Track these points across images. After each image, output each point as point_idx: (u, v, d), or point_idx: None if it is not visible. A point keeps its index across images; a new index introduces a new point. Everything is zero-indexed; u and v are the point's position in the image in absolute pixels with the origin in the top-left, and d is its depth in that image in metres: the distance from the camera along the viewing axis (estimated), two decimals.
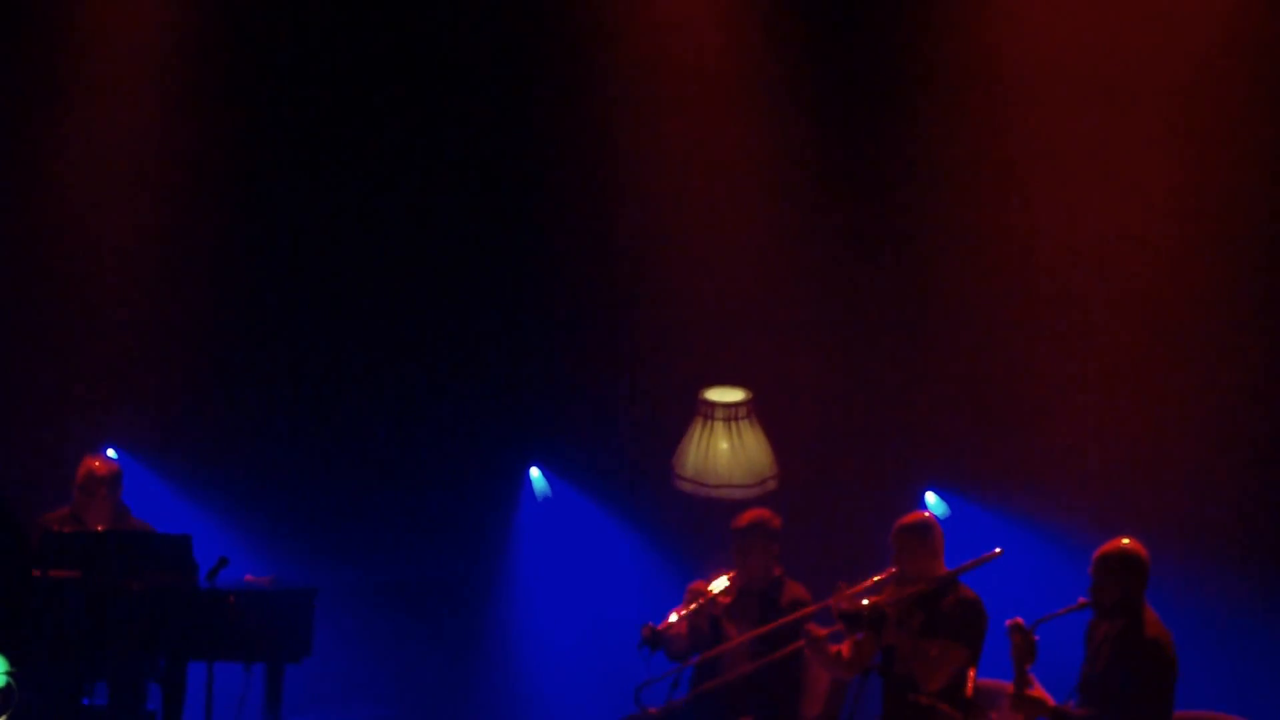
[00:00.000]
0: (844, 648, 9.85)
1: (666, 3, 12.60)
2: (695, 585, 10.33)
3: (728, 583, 10.23)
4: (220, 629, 10.20)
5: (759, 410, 11.40)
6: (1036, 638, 9.13)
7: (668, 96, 12.57)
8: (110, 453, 12.14)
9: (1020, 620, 9.22)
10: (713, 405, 11.33)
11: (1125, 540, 9.24)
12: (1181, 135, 11.57)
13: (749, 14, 12.49)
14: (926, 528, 9.84)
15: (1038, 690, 9.17)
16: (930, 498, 11.94)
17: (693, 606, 10.18)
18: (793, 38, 12.38)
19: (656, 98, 12.58)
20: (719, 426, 11.31)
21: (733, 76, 12.51)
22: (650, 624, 10.10)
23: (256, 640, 10.30)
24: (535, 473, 12.84)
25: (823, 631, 9.82)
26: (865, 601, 9.58)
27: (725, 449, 11.28)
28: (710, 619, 10.20)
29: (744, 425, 11.32)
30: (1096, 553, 9.24)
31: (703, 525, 11.59)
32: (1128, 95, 11.65)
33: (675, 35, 12.56)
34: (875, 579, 9.78)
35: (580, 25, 12.61)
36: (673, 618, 10.17)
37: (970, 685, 9.49)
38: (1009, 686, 9.23)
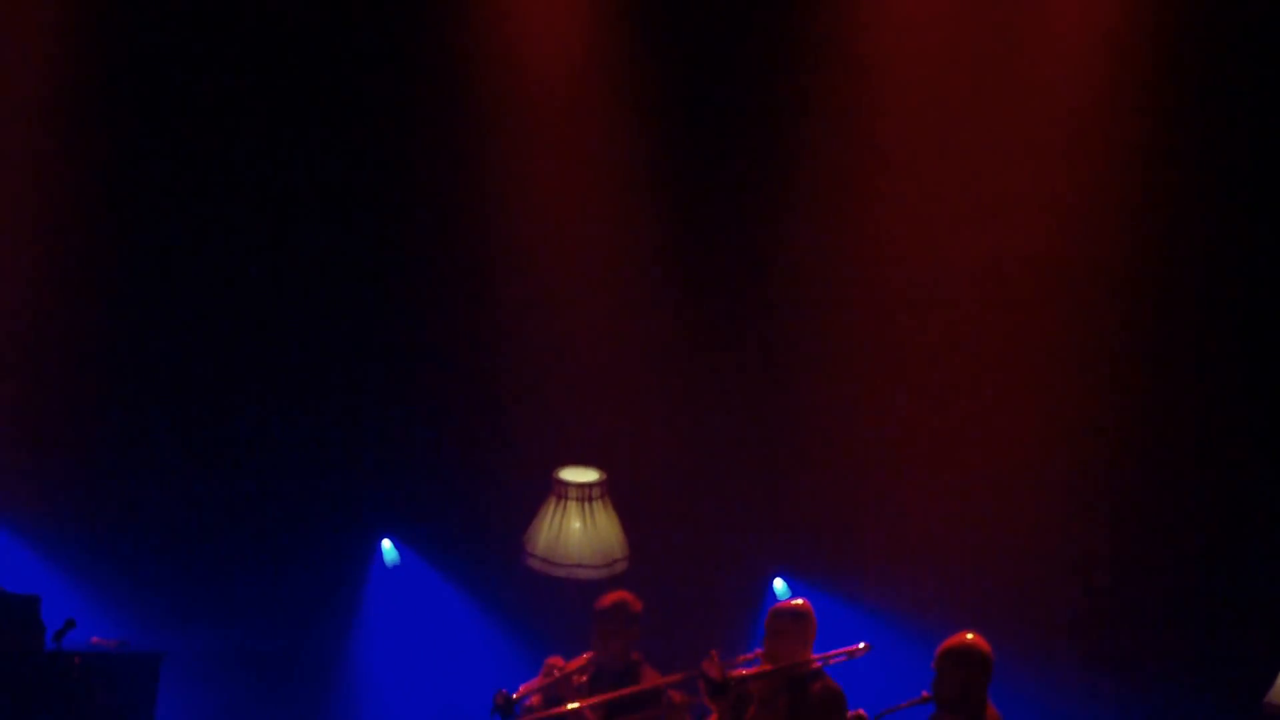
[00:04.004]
0: None
1: (521, 69, 12.68)
2: (553, 660, 10.32)
3: (585, 663, 10.24)
4: (64, 692, 10.09)
5: (612, 491, 11.46)
6: None
7: (524, 172, 12.60)
8: None
9: (862, 712, 9.30)
10: (566, 485, 11.34)
11: (969, 635, 9.27)
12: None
13: (600, 93, 12.59)
14: (803, 615, 9.88)
15: None
16: (779, 584, 12.01)
17: (547, 680, 10.16)
18: (648, 115, 12.49)
19: (514, 172, 12.62)
20: (572, 506, 11.31)
21: (587, 156, 12.57)
22: (504, 690, 10.03)
23: (100, 704, 10.20)
24: (387, 544, 12.80)
25: (681, 699, 9.86)
26: (734, 673, 9.63)
27: (577, 529, 11.28)
28: (559, 702, 10.18)
29: (597, 506, 11.33)
30: (940, 647, 9.27)
31: (553, 604, 11.60)
32: (988, 161, 11.85)
33: (527, 103, 12.62)
34: (746, 657, 9.83)
35: (420, 92, 12.67)
36: (527, 688, 10.16)
37: None
38: None
